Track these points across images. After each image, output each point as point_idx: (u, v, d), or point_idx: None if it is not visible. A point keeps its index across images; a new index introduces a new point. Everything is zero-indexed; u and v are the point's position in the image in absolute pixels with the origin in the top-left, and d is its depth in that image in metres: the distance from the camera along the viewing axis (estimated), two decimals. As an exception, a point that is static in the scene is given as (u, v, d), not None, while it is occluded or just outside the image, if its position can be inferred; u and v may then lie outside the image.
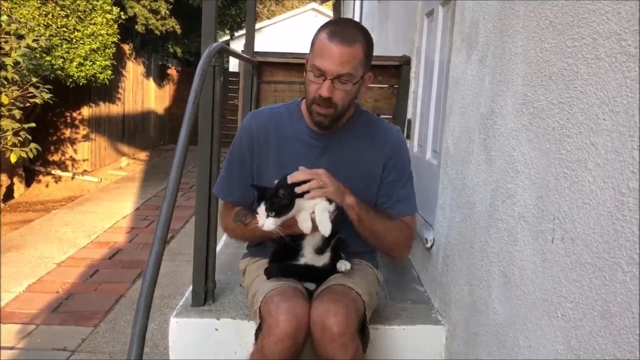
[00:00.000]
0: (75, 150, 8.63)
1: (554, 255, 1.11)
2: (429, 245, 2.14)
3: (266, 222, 1.44)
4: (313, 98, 1.53)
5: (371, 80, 1.62)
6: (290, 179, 1.47)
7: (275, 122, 1.67)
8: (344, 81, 1.49)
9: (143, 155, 11.10)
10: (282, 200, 1.44)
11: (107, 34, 7.20)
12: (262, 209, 1.44)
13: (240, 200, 1.69)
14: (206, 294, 1.91)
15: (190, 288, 1.93)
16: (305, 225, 1.47)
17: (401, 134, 1.74)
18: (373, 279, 1.71)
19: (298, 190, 1.45)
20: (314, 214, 1.47)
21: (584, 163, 1.01)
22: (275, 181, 1.50)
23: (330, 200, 1.48)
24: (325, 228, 1.45)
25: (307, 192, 1.45)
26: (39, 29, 6.14)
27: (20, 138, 5.15)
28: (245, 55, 2.85)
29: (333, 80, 1.48)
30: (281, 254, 1.59)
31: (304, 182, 1.46)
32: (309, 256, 1.57)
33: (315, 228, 1.47)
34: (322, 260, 1.58)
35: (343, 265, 1.56)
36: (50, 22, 6.43)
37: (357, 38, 1.50)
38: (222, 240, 2.56)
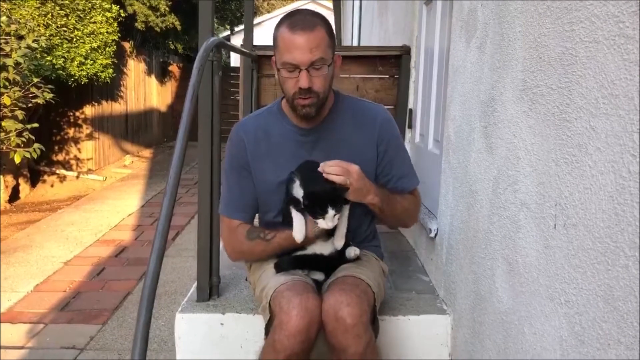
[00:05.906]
0: (79, 149, 8.66)
1: (556, 242, 1.11)
2: (432, 234, 2.13)
3: (333, 220, 1.48)
4: (294, 93, 1.53)
5: (341, 62, 1.64)
6: (323, 166, 1.50)
7: (262, 130, 1.67)
8: (317, 67, 1.50)
9: (147, 152, 11.13)
10: (340, 192, 1.47)
11: (107, 32, 7.21)
12: (330, 213, 1.46)
13: (246, 215, 1.69)
14: (211, 289, 1.92)
15: (195, 284, 1.94)
16: (298, 236, 1.52)
17: (387, 111, 1.75)
18: (379, 270, 1.72)
19: (325, 172, 1.49)
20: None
21: (584, 148, 1.00)
22: (298, 181, 1.53)
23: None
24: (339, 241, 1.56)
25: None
26: (39, 29, 6.15)
27: (23, 139, 5.18)
28: (244, 50, 2.83)
29: (308, 69, 1.49)
30: None
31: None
32: (316, 244, 1.58)
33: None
34: (330, 247, 1.59)
35: (352, 251, 1.58)
36: (49, 22, 6.44)
37: (316, 22, 1.52)
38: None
